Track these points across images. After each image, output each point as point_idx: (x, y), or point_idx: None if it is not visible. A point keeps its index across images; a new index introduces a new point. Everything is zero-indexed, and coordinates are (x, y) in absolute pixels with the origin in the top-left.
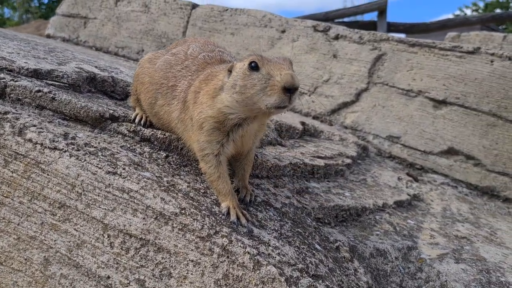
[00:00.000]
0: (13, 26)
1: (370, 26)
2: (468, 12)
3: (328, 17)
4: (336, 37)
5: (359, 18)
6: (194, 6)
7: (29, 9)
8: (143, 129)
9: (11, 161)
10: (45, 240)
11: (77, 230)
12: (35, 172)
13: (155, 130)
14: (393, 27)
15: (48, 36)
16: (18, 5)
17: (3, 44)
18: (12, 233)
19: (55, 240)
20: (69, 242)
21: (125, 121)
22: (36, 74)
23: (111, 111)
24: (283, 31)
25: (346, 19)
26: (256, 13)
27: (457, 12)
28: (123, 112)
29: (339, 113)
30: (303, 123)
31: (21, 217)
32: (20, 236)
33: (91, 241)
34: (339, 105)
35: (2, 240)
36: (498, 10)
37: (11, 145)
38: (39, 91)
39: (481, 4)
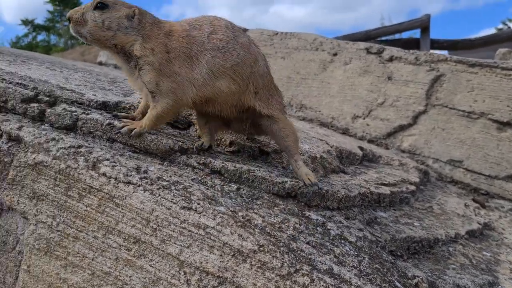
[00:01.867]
0: (59, 52)
1: (413, 43)
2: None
3: (369, 36)
4: (390, 59)
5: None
6: (244, 30)
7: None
8: (213, 161)
9: (85, 195)
10: (120, 276)
11: (152, 266)
12: (109, 207)
13: (225, 162)
14: (436, 44)
15: (100, 63)
16: (63, 32)
17: (70, 76)
18: (87, 268)
19: (130, 276)
20: (145, 278)
21: (194, 153)
22: (104, 106)
23: (180, 143)
24: (335, 54)
25: (388, 37)
26: (306, 37)
27: (500, 26)
28: (191, 144)
29: (395, 136)
30: (361, 148)
31: (96, 252)
32: (95, 272)
33: (167, 278)
34: (395, 128)
35: (77, 275)
36: None
37: (85, 179)
38: (109, 124)
39: None
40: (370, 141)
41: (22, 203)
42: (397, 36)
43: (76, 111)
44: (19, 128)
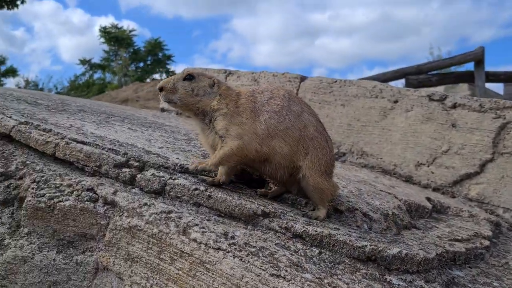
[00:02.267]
0: (113, 89)
1: (467, 76)
2: None
3: (421, 70)
4: (454, 106)
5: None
6: (303, 78)
7: (127, 73)
8: (294, 225)
9: (176, 259)
10: None
11: None
12: (200, 271)
13: (306, 226)
14: (492, 77)
15: (163, 110)
16: (118, 70)
17: (151, 137)
18: None
19: None
20: None
21: (275, 217)
22: (187, 169)
23: (262, 207)
24: (396, 101)
25: (441, 71)
26: (366, 84)
27: None
28: (273, 208)
29: (461, 184)
30: (429, 199)
31: None
32: None
33: None
34: (461, 176)
35: None
36: None
37: (176, 244)
38: (196, 189)
39: None
40: (435, 189)
41: (117, 264)
42: (452, 68)
43: (163, 176)
44: (114, 193)
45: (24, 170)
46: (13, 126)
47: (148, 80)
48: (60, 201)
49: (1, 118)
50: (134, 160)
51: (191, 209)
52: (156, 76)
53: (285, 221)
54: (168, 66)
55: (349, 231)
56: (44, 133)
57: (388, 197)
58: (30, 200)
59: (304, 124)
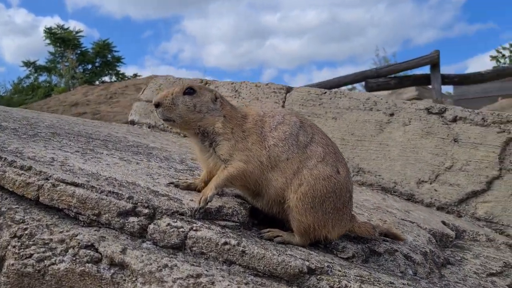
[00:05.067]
0: (60, 93)
1: (424, 80)
2: (506, 53)
3: (380, 74)
4: (454, 119)
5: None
6: (289, 89)
7: (75, 75)
8: (348, 284)
9: None
10: None
11: None
12: None
13: (362, 285)
14: (447, 79)
15: (132, 123)
16: (64, 72)
17: (149, 169)
18: None
19: None
20: None
21: (323, 273)
22: (206, 214)
23: (307, 263)
24: (392, 114)
25: (399, 74)
26: (359, 96)
27: (495, 54)
28: (318, 262)
29: (467, 203)
30: (444, 223)
31: None
32: None
33: None
34: (467, 194)
35: None
36: None
37: None
38: (226, 243)
39: None
40: (439, 208)
41: None
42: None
43: (182, 227)
44: (123, 251)
45: (0, 221)
46: None
47: (97, 82)
48: (53, 264)
49: None
50: (143, 206)
51: (221, 269)
52: (106, 78)
53: (336, 279)
54: (118, 68)
55: (395, 279)
56: (22, 172)
57: (414, 228)
58: (13, 264)
59: (307, 156)
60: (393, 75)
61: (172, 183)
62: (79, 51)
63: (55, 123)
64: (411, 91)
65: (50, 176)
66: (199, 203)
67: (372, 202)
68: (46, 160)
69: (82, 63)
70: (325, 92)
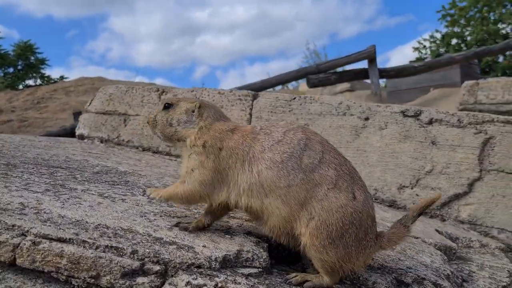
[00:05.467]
0: None
1: (362, 74)
2: (427, 44)
3: (320, 69)
4: (430, 122)
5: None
6: (255, 96)
7: None
8: None
9: None
10: None
11: None
12: None
13: None
14: (384, 73)
15: (82, 137)
16: None
17: (143, 209)
18: None
19: None
20: None
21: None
22: (224, 262)
23: None
24: (367, 119)
25: (338, 69)
26: (330, 100)
27: (416, 45)
28: None
29: (450, 206)
30: (438, 231)
31: None
32: None
33: None
34: (449, 198)
35: None
36: (454, 41)
37: None
38: None
39: (438, 36)
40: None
41: None
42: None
43: (205, 285)
44: None
45: None
46: None
47: (21, 87)
48: None
49: None
50: (151, 261)
51: None
52: (30, 82)
53: None
54: (42, 71)
55: None
56: None
57: (423, 246)
58: None
59: (316, 183)
60: (332, 71)
61: (179, 223)
62: None
63: (1, 147)
64: (343, 84)
65: (27, 231)
66: (150, 194)
67: None
68: (14, 208)
69: (2, 67)
70: (294, 98)
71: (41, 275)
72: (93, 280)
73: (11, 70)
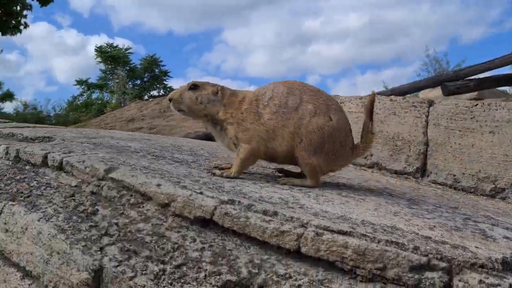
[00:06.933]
0: (113, 108)
1: (506, 80)
2: None
3: (459, 76)
4: None
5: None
6: (431, 103)
7: (125, 91)
8: None
9: None
10: None
11: None
12: None
13: None
14: None
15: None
16: (116, 89)
17: (393, 211)
18: None
19: None
20: None
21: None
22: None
23: None
24: None
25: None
26: None
27: None
28: None
29: None
30: None
31: None
32: None
33: None
34: None
35: None
36: None
37: None
38: None
39: None
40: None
41: None
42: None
43: (499, 285)
44: None
45: (262, 276)
46: (215, 208)
47: (146, 97)
48: None
49: (190, 195)
50: (435, 258)
51: None
52: (154, 92)
53: None
54: (165, 82)
55: None
56: (269, 218)
57: None
58: None
59: (300, 116)
60: (470, 77)
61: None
62: (128, 68)
63: (165, 143)
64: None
65: (307, 223)
66: (218, 172)
67: None
68: (278, 202)
69: (131, 79)
70: (477, 105)
71: (320, 264)
72: (379, 272)
73: (138, 82)
